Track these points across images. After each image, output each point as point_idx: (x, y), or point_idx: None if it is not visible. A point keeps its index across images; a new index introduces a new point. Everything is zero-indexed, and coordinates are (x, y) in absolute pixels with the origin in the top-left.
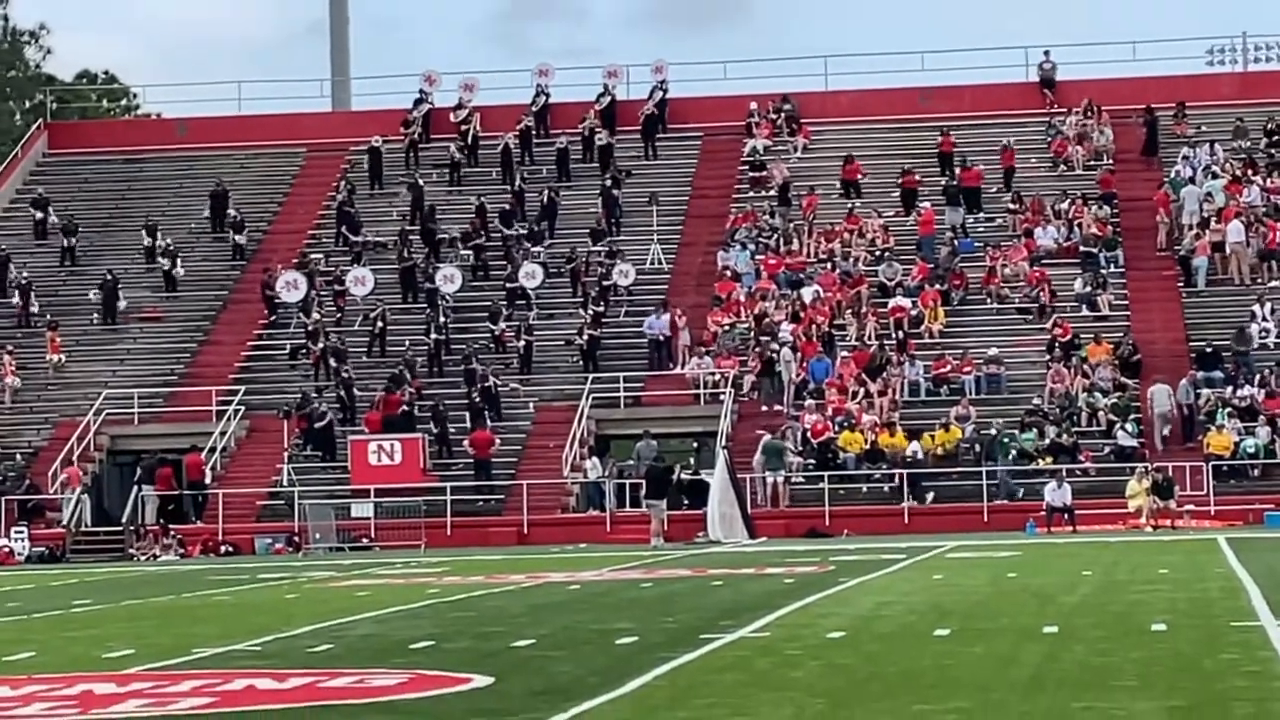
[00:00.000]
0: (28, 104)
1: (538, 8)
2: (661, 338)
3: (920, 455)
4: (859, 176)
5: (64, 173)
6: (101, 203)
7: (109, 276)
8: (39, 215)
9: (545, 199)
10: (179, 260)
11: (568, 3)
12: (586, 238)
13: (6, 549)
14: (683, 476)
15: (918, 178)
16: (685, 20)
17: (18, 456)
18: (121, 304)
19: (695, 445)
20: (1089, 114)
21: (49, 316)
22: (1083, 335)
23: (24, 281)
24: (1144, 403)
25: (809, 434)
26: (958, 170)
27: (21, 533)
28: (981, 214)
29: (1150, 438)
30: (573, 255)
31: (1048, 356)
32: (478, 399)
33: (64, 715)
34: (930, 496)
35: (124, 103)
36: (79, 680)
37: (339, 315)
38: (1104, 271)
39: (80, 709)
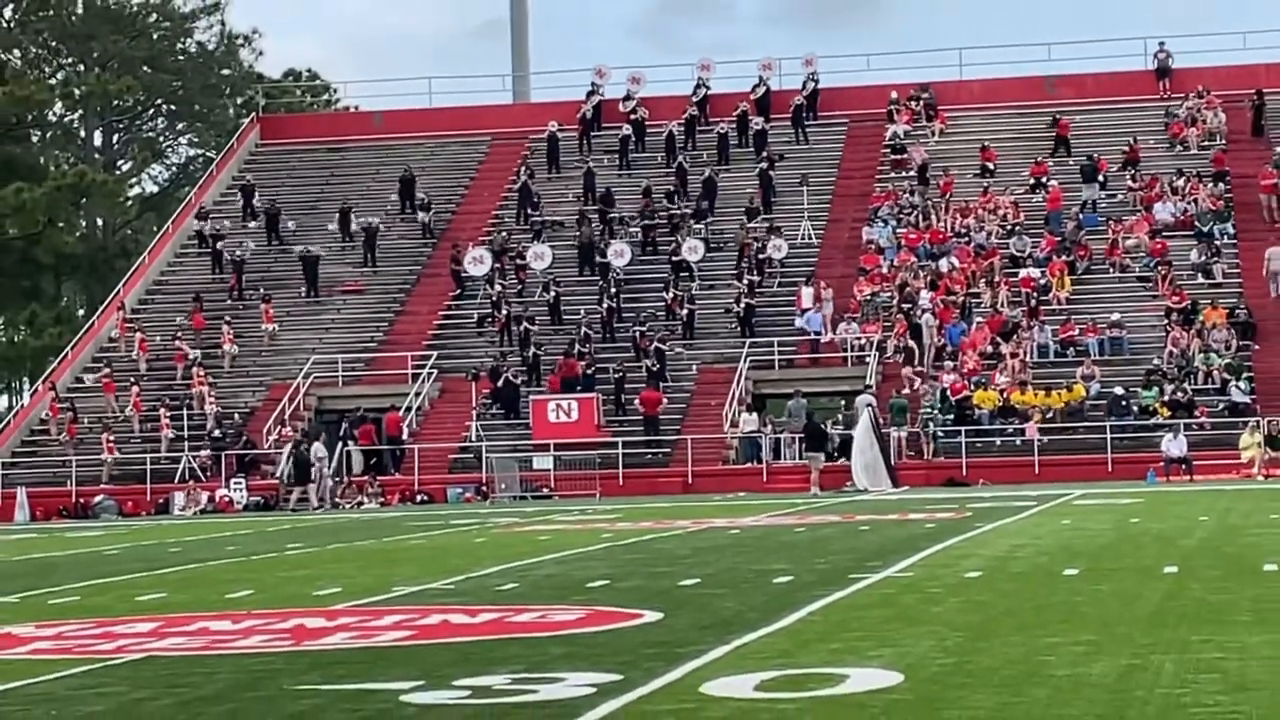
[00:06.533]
0: (239, 101)
1: (687, 5)
2: (814, 333)
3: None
4: (992, 162)
5: (274, 162)
6: (308, 188)
7: (308, 253)
8: (250, 200)
9: (706, 180)
10: (376, 239)
11: (715, 1)
12: (743, 215)
13: (227, 498)
14: (834, 431)
15: (1048, 165)
16: (825, 15)
17: (236, 416)
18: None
19: (844, 403)
20: (1202, 98)
21: (261, 291)
22: (1200, 302)
23: (237, 259)
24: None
25: (948, 392)
26: (1094, 155)
27: (240, 484)
28: (1104, 190)
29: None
30: (740, 232)
31: (1166, 321)
32: (652, 363)
33: (279, 646)
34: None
35: (325, 97)
36: (292, 615)
37: (520, 287)
38: (1217, 243)
39: (294, 640)
